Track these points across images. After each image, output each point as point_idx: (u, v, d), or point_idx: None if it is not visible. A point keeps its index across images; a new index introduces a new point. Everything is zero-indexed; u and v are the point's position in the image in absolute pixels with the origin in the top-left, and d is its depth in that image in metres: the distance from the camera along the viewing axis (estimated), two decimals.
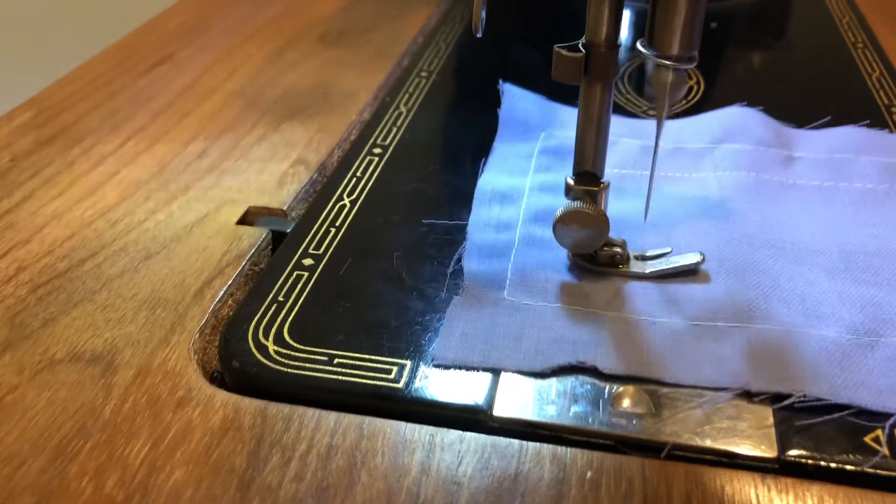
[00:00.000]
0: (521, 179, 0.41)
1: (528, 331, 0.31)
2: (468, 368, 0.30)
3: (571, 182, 0.33)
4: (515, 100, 0.48)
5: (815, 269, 0.34)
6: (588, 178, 0.33)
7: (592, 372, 0.29)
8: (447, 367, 0.30)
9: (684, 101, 0.48)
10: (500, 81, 0.49)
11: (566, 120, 0.46)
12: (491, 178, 0.41)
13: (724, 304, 0.32)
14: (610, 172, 0.37)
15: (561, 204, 0.35)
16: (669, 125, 0.45)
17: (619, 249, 0.33)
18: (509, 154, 0.44)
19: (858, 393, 0.27)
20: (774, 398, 0.28)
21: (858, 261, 0.34)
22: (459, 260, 0.35)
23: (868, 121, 0.44)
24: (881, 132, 0.43)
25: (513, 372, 0.29)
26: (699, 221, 0.37)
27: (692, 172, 0.41)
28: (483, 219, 0.38)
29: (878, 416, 0.27)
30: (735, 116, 0.44)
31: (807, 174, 0.40)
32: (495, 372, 0.29)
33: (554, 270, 0.34)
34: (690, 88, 0.50)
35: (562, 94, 0.46)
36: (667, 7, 0.28)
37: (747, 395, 0.28)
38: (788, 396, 0.27)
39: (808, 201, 0.38)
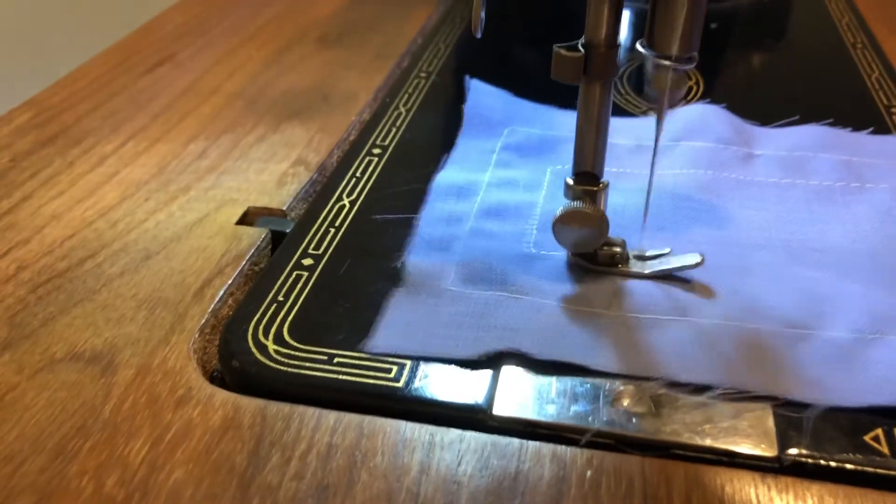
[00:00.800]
0: (479, 175, 0.41)
1: (468, 319, 0.31)
2: (405, 357, 0.30)
3: (571, 182, 0.33)
4: (481, 96, 0.48)
5: (757, 264, 0.34)
6: (587, 177, 0.33)
7: (592, 371, 0.29)
8: (384, 355, 0.30)
9: (684, 102, 0.48)
10: (466, 77, 0.49)
11: (531, 116, 0.47)
12: (449, 174, 0.42)
13: (660, 300, 0.32)
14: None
15: (517, 199, 0.35)
16: (632, 123, 0.46)
17: (618, 249, 0.33)
18: (471, 150, 0.44)
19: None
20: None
21: (805, 256, 0.34)
22: (408, 253, 0.35)
23: (832, 119, 0.44)
24: (842, 130, 0.43)
25: (447, 360, 0.30)
26: (658, 219, 0.37)
27: (647, 169, 0.41)
28: (436, 213, 0.38)
29: (881, 416, 0.27)
30: (697, 114, 0.45)
31: (765, 171, 0.41)
32: (495, 371, 0.29)
33: (499, 261, 0.34)
34: (690, 88, 0.50)
35: (561, 94, 0.46)
36: (667, 7, 0.28)
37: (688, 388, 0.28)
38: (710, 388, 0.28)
39: (762, 198, 0.39)
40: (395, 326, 0.31)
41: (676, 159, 0.42)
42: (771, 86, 0.51)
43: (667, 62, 0.29)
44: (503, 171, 0.42)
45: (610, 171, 0.39)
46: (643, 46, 0.29)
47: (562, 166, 0.42)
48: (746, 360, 0.29)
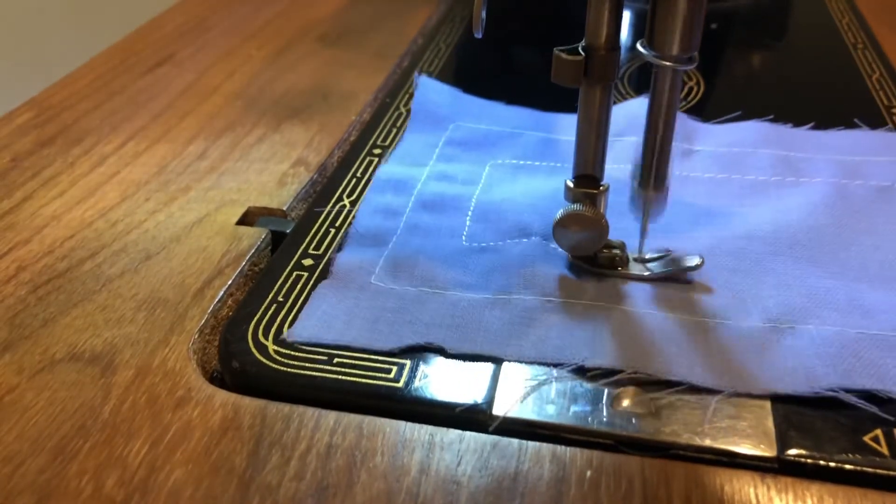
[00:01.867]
0: (419, 169, 0.42)
1: (386, 313, 0.32)
2: (321, 346, 0.30)
3: (571, 185, 0.32)
4: (428, 92, 0.48)
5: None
6: (588, 180, 0.32)
7: (592, 371, 0.29)
8: (302, 345, 0.30)
9: (684, 102, 0.48)
10: (416, 73, 0.49)
11: (477, 112, 0.47)
12: (390, 168, 0.42)
13: (586, 288, 0.33)
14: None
15: (454, 192, 0.36)
16: (569, 119, 0.45)
17: (618, 251, 0.33)
18: (415, 144, 0.44)
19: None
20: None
21: (725, 246, 0.35)
22: (340, 248, 0.36)
23: (772, 115, 0.44)
24: (784, 126, 0.44)
25: (364, 349, 0.30)
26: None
27: None
28: (372, 206, 0.39)
29: (881, 416, 0.27)
30: (639, 110, 0.45)
31: (702, 167, 0.41)
32: (494, 371, 0.29)
33: (428, 256, 0.35)
34: (690, 89, 0.50)
35: (560, 97, 0.46)
36: (667, 7, 0.28)
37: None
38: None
39: (697, 194, 0.39)
40: (314, 318, 0.32)
41: (617, 154, 0.42)
42: (771, 86, 0.51)
43: (667, 62, 0.29)
44: (444, 164, 0.42)
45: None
46: (643, 47, 0.29)
47: (502, 161, 0.43)
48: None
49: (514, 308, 0.32)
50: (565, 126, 0.45)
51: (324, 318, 0.32)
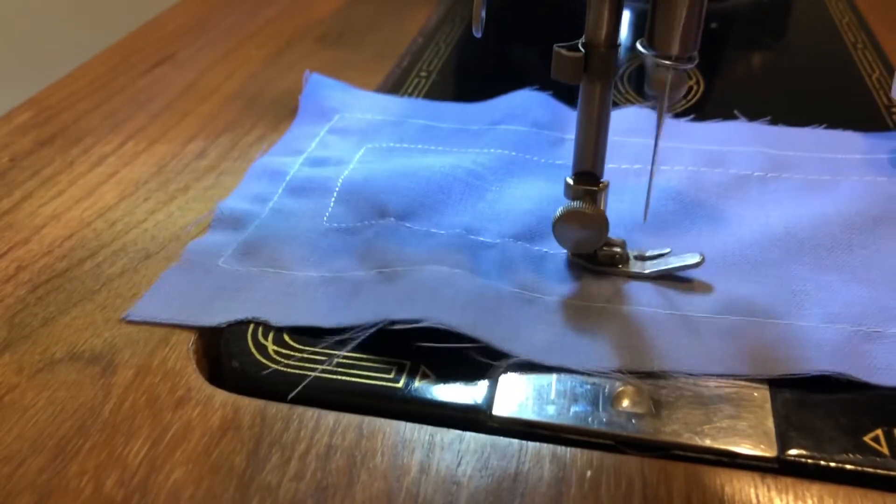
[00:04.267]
0: (296, 157, 0.42)
1: (223, 292, 0.33)
2: (156, 324, 0.32)
3: (571, 182, 0.32)
4: (318, 87, 0.49)
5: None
6: (587, 177, 0.32)
7: (593, 372, 0.29)
8: (139, 323, 0.32)
9: (684, 101, 0.48)
10: (307, 71, 0.50)
11: (366, 104, 0.47)
12: (268, 158, 0.43)
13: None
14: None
15: (323, 176, 0.38)
16: (456, 108, 0.47)
17: (618, 249, 0.33)
18: (297, 136, 0.45)
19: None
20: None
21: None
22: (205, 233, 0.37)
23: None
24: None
25: (197, 326, 0.31)
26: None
27: (459, 148, 0.42)
28: (244, 193, 0.39)
29: (881, 416, 0.27)
30: (520, 100, 0.46)
31: (569, 155, 0.41)
32: (494, 371, 0.29)
33: (282, 240, 0.36)
34: (690, 88, 0.50)
35: (560, 95, 0.46)
36: (667, 7, 0.28)
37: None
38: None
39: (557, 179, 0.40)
40: (154, 298, 0.33)
41: (489, 141, 0.42)
42: (771, 85, 0.51)
43: (667, 62, 0.28)
44: (320, 151, 0.43)
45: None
46: (643, 46, 0.29)
47: (379, 144, 0.43)
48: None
49: (345, 283, 0.33)
50: (453, 114, 0.46)
51: (164, 299, 0.33)
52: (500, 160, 0.41)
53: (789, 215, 0.36)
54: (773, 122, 0.44)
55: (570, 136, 0.43)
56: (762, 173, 0.40)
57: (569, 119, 0.45)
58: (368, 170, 0.40)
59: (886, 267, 0.33)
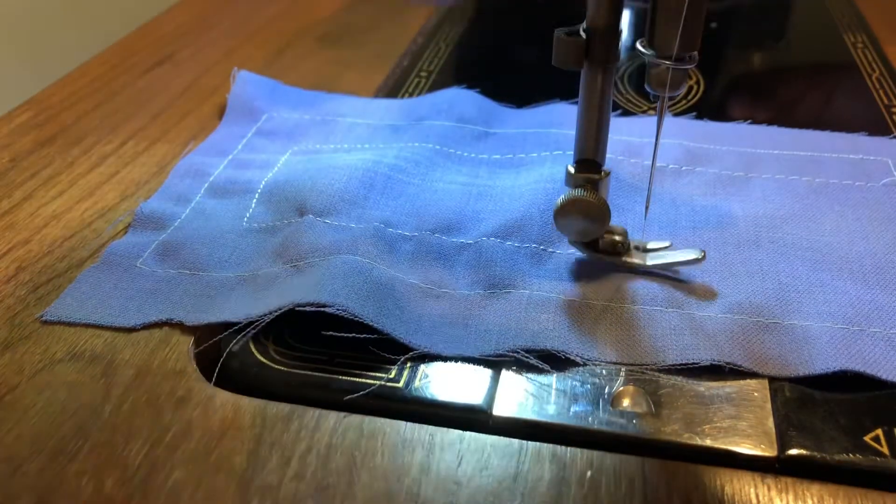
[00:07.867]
0: (221, 158, 0.43)
1: (140, 293, 0.33)
2: (71, 324, 0.32)
3: (572, 170, 0.32)
4: (246, 85, 0.49)
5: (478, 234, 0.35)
6: (589, 165, 0.32)
7: (591, 371, 0.29)
8: (54, 324, 0.32)
9: (684, 101, 0.48)
10: (235, 69, 0.50)
11: (295, 102, 0.48)
12: (192, 158, 0.43)
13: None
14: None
15: (246, 177, 0.38)
16: (384, 105, 0.47)
17: (620, 238, 0.33)
18: (225, 136, 0.45)
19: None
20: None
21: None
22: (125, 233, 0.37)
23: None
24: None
25: (110, 327, 0.32)
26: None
27: (385, 144, 0.43)
28: (167, 194, 0.40)
29: (881, 416, 0.27)
30: (447, 96, 0.47)
31: (492, 149, 0.42)
32: (495, 372, 0.29)
33: (200, 241, 0.36)
34: (690, 88, 0.50)
35: (559, 92, 0.46)
36: (667, 7, 0.28)
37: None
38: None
39: (480, 174, 0.40)
40: (70, 299, 0.33)
41: (413, 135, 0.43)
42: (771, 85, 0.51)
43: (667, 62, 0.28)
44: (246, 154, 0.43)
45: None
46: (643, 46, 0.29)
47: (305, 146, 0.43)
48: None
49: (260, 280, 0.33)
50: (380, 110, 0.46)
51: (80, 299, 0.33)
52: (424, 154, 0.41)
53: (697, 211, 0.37)
54: (773, 122, 0.44)
55: (495, 130, 0.44)
56: (677, 166, 0.40)
57: (495, 114, 0.45)
58: (291, 171, 0.40)
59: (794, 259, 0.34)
